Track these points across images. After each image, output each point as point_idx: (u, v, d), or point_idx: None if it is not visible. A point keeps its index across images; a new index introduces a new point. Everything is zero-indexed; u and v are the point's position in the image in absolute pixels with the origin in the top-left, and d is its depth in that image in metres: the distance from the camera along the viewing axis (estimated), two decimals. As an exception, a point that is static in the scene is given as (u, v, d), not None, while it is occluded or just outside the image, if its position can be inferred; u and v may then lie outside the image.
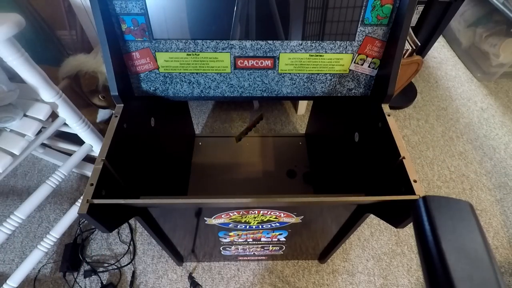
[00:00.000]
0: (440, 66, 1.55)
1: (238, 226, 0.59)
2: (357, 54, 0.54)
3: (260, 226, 0.59)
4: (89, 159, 1.00)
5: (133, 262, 0.89)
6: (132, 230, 0.95)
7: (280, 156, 1.04)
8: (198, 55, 0.54)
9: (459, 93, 1.42)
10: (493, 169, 1.14)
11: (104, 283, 0.84)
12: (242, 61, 0.55)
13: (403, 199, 0.42)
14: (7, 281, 0.71)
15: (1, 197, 1.01)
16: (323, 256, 0.85)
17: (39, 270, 0.86)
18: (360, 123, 0.63)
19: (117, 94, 0.51)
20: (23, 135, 0.63)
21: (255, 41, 0.52)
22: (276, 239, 0.69)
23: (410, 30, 0.92)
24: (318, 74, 0.57)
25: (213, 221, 0.56)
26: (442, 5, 0.98)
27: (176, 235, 0.68)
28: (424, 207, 0.26)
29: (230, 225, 0.58)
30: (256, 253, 0.80)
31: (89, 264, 0.87)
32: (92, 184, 0.42)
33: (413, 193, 0.42)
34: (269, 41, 0.52)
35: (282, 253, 0.81)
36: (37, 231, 0.94)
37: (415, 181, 0.43)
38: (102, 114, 1.06)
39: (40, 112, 0.65)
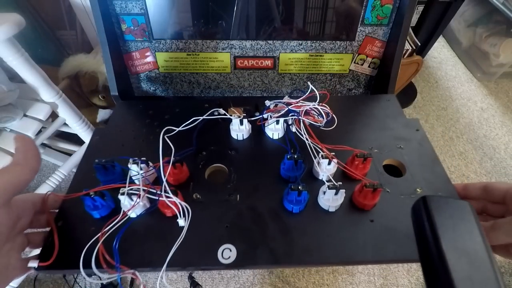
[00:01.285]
0: (440, 66, 1.55)
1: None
2: (357, 54, 0.54)
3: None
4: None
5: (133, 262, 0.88)
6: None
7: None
8: (198, 55, 0.54)
9: (459, 93, 1.42)
10: (493, 169, 1.14)
11: (104, 283, 0.84)
12: (242, 61, 0.55)
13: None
14: (7, 281, 0.71)
15: (1, 197, 1.01)
16: (323, 256, 0.85)
17: (39, 270, 0.86)
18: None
19: (117, 94, 0.51)
20: (23, 135, 0.63)
21: (255, 41, 0.52)
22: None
23: (410, 30, 0.92)
24: (318, 74, 0.57)
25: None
26: (442, 5, 0.98)
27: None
28: (423, 207, 0.26)
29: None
30: (256, 253, 0.80)
31: (89, 264, 0.87)
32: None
33: (413, 193, 0.43)
34: (269, 41, 0.52)
35: (282, 253, 0.81)
36: (37, 231, 0.94)
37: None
38: (102, 114, 1.06)
39: (40, 112, 0.65)
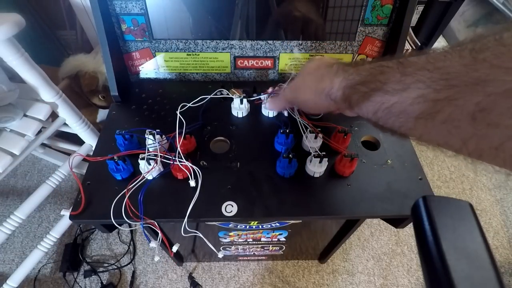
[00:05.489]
0: (440, 66, 1.55)
1: (238, 226, 0.59)
2: (357, 54, 0.54)
3: (260, 226, 0.59)
4: (89, 159, 0.99)
5: (133, 262, 0.89)
6: (132, 230, 0.95)
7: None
8: (198, 55, 0.54)
9: (459, 93, 1.42)
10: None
11: (104, 283, 0.84)
12: (242, 61, 0.55)
13: (403, 199, 0.42)
14: (7, 281, 0.71)
15: (1, 197, 1.01)
16: (323, 256, 0.85)
17: (39, 270, 0.86)
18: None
19: (117, 94, 0.51)
20: (23, 135, 0.63)
21: (255, 41, 0.52)
22: (276, 239, 0.69)
23: (410, 30, 0.92)
24: (318, 74, 0.57)
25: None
26: (442, 5, 0.98)
27: (176, 235, 0.68)
28: (424, 207, 0.26)
29: (230, 225, 0.58)
30: (256, 253, 0.80)
31: (89, 264, 0.87)
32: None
33: (413, 193, 0.43)
34: (269, 41, 0.52)
35: (282, 253, 0.81)
36: (37, 231, 0.94)
37: (415, 181, 0.44)
38: (102, 114, 1.06)
39: (40, 112, 0.65)
